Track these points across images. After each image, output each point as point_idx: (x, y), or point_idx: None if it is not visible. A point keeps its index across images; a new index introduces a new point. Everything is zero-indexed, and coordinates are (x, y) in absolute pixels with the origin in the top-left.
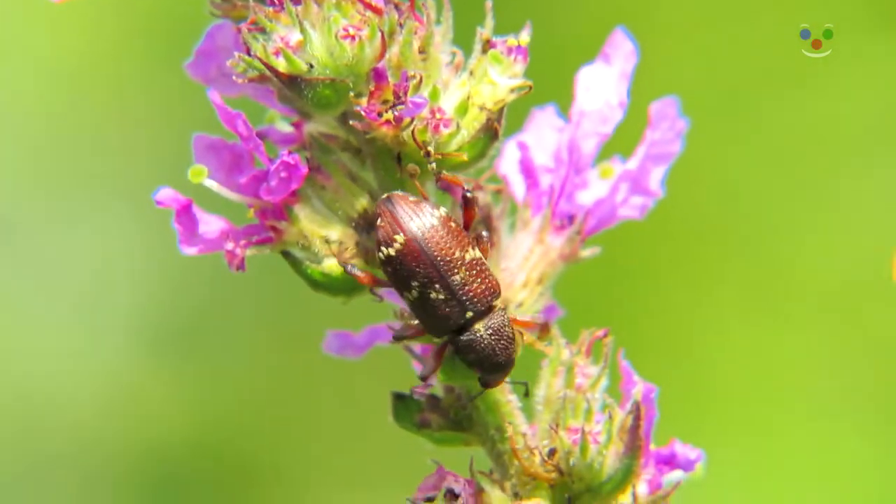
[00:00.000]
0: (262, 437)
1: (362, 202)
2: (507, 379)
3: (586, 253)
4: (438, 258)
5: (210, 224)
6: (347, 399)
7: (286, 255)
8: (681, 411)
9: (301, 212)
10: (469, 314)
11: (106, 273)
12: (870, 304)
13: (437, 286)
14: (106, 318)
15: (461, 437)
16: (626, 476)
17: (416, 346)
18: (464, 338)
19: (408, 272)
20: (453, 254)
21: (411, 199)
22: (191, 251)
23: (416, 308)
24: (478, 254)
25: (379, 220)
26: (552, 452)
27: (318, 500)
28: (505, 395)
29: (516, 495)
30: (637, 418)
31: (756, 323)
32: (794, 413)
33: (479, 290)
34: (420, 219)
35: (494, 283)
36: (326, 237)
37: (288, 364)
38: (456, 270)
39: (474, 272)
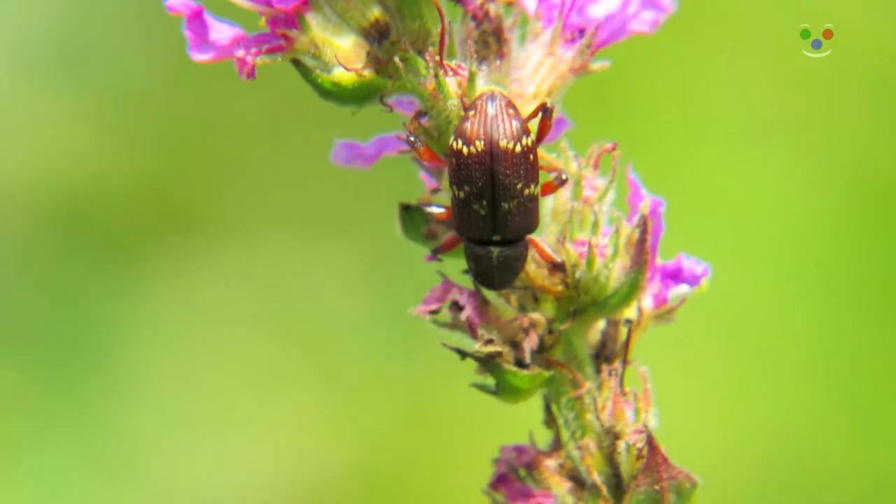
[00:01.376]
0: (186, 178)
1: (374, 12)
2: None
3: (596, 66)
4: (501, 182)
5: (221, 31)
6: (278, 135)
7: (296, 63)
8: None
9: (312, 20)
10: (496, 237)
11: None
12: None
13: (484, 202)
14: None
15: None
16: (631, 290)
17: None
18: (476, 249)
19: (467, 175)
20: (516, 185)
21: (511, 110)
22: (202, 57)
23: (455, 203)
24: (537, 190)
25: (471, 112)
26: (561, 266)
27: (244, 239)
28: None
29: (522, 308)
30: (644, 232)
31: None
32: (726, 137)
33: (517, 224)
34: (507, 138)
35: (535, 222)
36: (338, 45)
37: (214, 97)
38: (509, 199)
39: (523, 207)
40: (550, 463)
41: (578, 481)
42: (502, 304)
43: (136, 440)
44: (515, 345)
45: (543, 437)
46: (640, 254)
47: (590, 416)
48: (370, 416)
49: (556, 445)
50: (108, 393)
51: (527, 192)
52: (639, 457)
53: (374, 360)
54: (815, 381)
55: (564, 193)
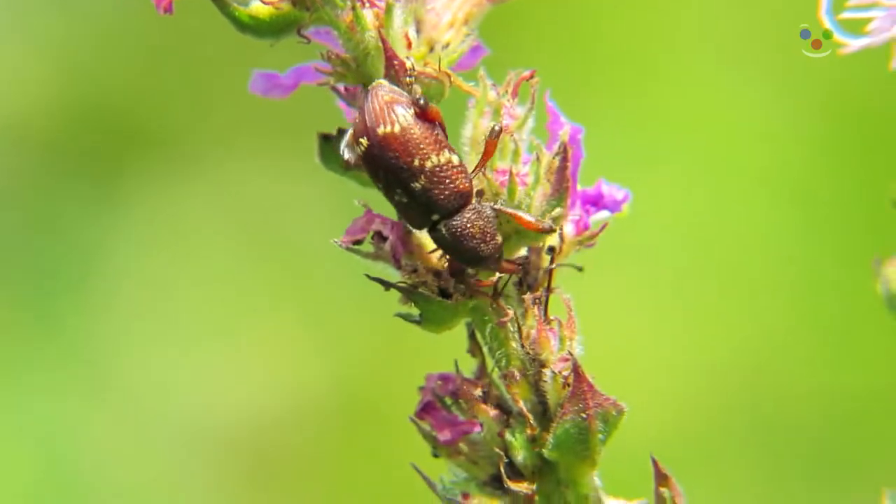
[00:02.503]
0: (159, 98)
1: None
2: None
3: None
4: (397, 166)
5: None
6: (254, 52)
7: None
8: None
9: None
10: (434, 216)
11: None
12: None
13: (398, 190)
14: None
15: None
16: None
17: (341, 87)
18: (432, 234)
19: (371, 172)
20: (412, 163)
21: (386, 97)
22: None
23: (389, 201)
24: (444, 158)
25: (357, 114)
26: (480, 193)
27: (221, 157)
28: None
29: None
30: (564, 159)
31: None
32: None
33: (441, 196)
34: (383, 123)
35: (464, 187)
36: None
37: (188, 15)
38: (415, 179)
39: (436, 179)
40: (476, 391)
41: (505, 409)
42: (426, 233)
43: (115, 360)
44: (438, 274)
45: (471, 367)
46: (561, 181)
47: (514, 345)
48: (349, 336)
49: (482, 374)
50: (86, 315)
51: (429, 164)
52: (565, 385)
53: (354, 279)
54: (788, 303)
55: (483, 122)
